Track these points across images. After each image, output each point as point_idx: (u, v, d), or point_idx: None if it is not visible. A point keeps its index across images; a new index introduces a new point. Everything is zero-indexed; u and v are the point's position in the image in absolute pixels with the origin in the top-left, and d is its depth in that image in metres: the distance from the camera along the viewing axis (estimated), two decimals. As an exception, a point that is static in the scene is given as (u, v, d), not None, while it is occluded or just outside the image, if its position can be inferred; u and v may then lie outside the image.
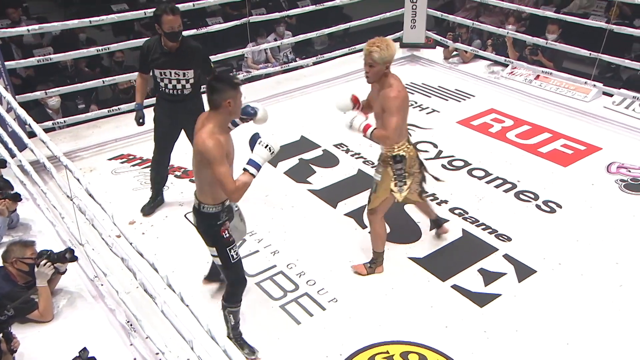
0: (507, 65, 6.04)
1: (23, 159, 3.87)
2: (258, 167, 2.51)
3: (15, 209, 3.52)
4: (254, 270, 3.42)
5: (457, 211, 3.97)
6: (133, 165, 4.49)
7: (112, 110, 4.86)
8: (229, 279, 2.76)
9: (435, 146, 4.77)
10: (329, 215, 3.92)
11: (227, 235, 2.67)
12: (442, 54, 6.48)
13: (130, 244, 2.12)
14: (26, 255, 3.00)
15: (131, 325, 2.84)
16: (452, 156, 4.63)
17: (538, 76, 5.78)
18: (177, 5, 3.53)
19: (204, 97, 2.74)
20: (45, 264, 2.94)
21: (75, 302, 3.09)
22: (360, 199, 4.06)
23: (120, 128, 4.95)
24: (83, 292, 3.11)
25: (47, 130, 4.20)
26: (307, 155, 4.58)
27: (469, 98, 5.65)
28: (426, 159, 4.54)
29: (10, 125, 3.92)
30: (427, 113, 5.34)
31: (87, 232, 3.25)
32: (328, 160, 4.53)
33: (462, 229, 3.80)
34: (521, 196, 4.15)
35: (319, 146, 4.71)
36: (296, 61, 6.63)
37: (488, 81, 5.98)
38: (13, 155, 4.11)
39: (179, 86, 3.64)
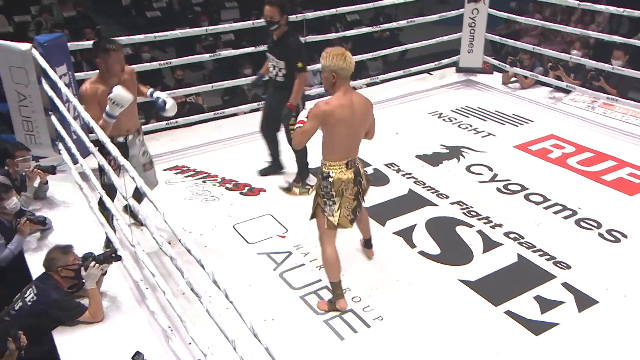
0: (569, 92, 5.85)
1: (84, 164, 4.05)
2: (109, 115, 3.16)
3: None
4: (299, 284, 3.38)
5: (512, 235, 3.81)
6: (186, 177, 4.60)
7: (170, 123, 5.03)
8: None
9: (490, 169, 4.64)
10: (377, 233, 3.82)
11: (109, 162, 3.24)
12: (499, 79, 6.36)
13: (179, 240, 2.15)
14: (69, 262, 3.05)
15: (172, 330, 2.85)
16: (508, 180, 4.48)
17: (602, 103, 5.56)
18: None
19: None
20: (94, 266, 3.02)
21: (119, 306, 3.14)
22: (411, 219, 3.98)
23: (177, 141, 5.11)
24: (127, 295, 3.17)
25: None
26: (358, 173, 4.54)
27: (527, 123, 5.48)
28: (480, 182, 4.46)
29: (76, 132, 4.13)
30: (483, 136, 5.21)
31: (138, 234, 3.33)
32: (378, 178, 4.47)
33: (517, 254, 3.63)
34: (582, 224, 3.94)
35: (369, 164, 4.67)
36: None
37: (548, 107, 5.78)
38: (75, 162, 4.32)
39: (274, 72, 4.17)
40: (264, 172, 4.53)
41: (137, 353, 2.48)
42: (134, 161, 3.45)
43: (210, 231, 3.87)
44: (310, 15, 5.39)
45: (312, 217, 3.17)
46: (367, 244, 3.60)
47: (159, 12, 9.98)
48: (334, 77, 2.88)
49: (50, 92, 4.14)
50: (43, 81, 4.22)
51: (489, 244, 3.72)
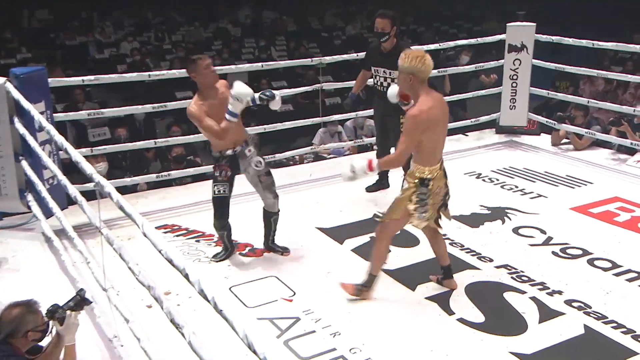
0: (634, 152, 5.81)
1: (62, 217, 3.95)
2: (231, 113, 3.68)
3: None
4: (308, 353, 3.17)
5: (575, 304, 3.60)
6: (177, 236, 4.52)
7: (161, 175, 5.06)
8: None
9: (543, 232, 4.50)
10: (405, 298, 3.66)
11: (218, 173, 3.95)
12: (548, 141, 6.38)
13: (160, 251, 2.05)
14: (39, 322, 2.89)
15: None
16: (566, 244, 4.32)
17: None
18: (385, 11, 4.75)
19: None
20: (72, 316, 2.87)
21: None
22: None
23: (168, 199, 5.10)
24: (96, 354, 2.99)
25: (88, 197, 4.38)
26: (381, 234, 4.44)
27: (585, 185, 5.40)
28: (531, 245, 4.32)
29: (55, 177, 4.11)
30: (532, 198, 5.12)
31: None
32: (406, 239, 4.35)
33: (583, 325, 3.41)
34: (665, 293, 3.74)
35: (396, 225, 4.57)
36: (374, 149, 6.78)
37: (609, 168, 5.73)
38: (49, 215, 4.28)
39: (385, 84, 4.78)
40: (371, 189, 5.17)
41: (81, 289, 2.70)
42: (247, 172, 4.03)
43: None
44: (327, 59, 5.61)
45: (384, 218, 3.57)
46: (447, 273, 3.74)
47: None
48: (411, 80, 3.28)
49: (23, 130, 4.20)
50: (16, 120, 4.31)
51: (547, 313, 3.52)
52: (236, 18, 16.78)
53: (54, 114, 4.69)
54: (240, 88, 3.63)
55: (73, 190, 3.07)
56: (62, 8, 15.36)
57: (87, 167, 2.79)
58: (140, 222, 2.25)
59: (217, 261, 4.15)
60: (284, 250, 4.19)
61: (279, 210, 4.12)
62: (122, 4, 16.09)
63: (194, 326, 2.08)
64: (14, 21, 13.82)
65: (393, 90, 3.72)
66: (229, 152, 3.91)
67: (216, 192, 3.95)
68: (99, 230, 2.76)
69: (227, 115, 3.67)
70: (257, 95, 3.84)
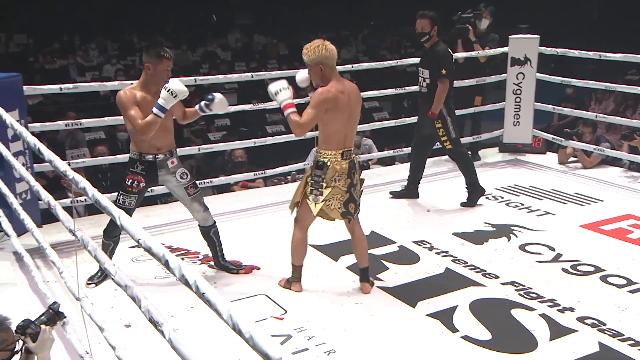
0: (647, 169, 5.84)
1: (37, 233, 3.85)
2: (161, 107, 3.51)
3: None
4: (300, 372, 3.11)
5: (588, 321, 3.55)
6: (158, 254, 4.48)
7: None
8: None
9: (552, 249, 4.47)
10: (405, 316, 3.61)
11: (129, 183, 3.76)
12: (554, 159, 6.40)
13: (138, 240, 2.00)
14: (9, 340, 2.86)
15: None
16: (577, 260, 4.29)
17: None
18: (424, 12, 4.97)
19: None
20: (46, 331, 2.81)
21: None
22: (450, 300, 3.76)
23: (150, 217, 5.05)
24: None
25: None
26: (378, 251, 4.41)
27: (595, 202, 5.40)
28: (539, 262, 4.29)
29: (30, 190, 4.05)
30: (538, 215, 5.11)
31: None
32: (405, 256, 4.32)
33: (597, 342, 3.35)
34: (685, 310, 3.70)
35: (394, 242, 4.56)
36: (369, 168, 6.80)
37: (620, 186, 5.74)
38: (22, 232, 4.23)
39: (420, 82, 5.13)
40: (397, 195, 5.39)
41: (54, 302, 2.66)
42: (169, 185, 3.94)
43: (185, 312, 3.65)
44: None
45: (294, 208, 3.73)
46: (362, 275, 3.86)
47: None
48: (322, 70, 3.49)
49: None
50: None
51: (558, 330, 3.47)
52: (226, 42, 17.00)
53: (29, 124, 4.66)
54: (177, 84, 3.54)
55: (46, 195, 3.03)
56: (42, 32, 15.53)
57: (61, 165, 2.76)
58: (117, 213, 2.22)
59: (95, 284, 3.91)
60: (239, 268, 4.11)
61: (214, 223, 4.03)
62: (105, 27, 16.29)
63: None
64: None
65: (302, 75, 3.69)
66: (149, 157, 3.76)
67: (120, 202, 3.73)
68: (73, 234, 2.71)
69: (154, 109, 3.51)
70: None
